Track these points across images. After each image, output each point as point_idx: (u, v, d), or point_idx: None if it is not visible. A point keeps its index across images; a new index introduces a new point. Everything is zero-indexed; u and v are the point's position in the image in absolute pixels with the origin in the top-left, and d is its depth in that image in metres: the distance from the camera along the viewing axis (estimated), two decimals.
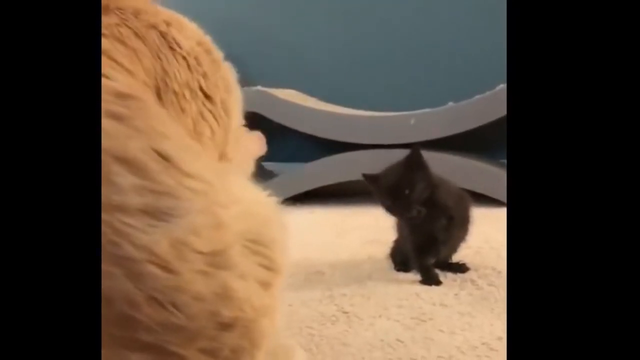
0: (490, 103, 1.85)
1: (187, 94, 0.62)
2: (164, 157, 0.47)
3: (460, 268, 1.12)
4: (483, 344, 0.78)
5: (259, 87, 2.12)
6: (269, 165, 2.25)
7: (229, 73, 0.71)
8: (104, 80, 0.48)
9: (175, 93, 0.60)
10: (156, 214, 0.44)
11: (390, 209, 1.08)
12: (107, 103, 0.46)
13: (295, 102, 2.13)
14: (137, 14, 0.62)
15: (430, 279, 1.06)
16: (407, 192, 1.05)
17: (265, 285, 0.50)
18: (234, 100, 0.70)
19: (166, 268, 0.43)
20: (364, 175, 1.12)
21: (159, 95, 0.59)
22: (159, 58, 0.61)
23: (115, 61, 0.54)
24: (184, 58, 0.63)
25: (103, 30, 0.56)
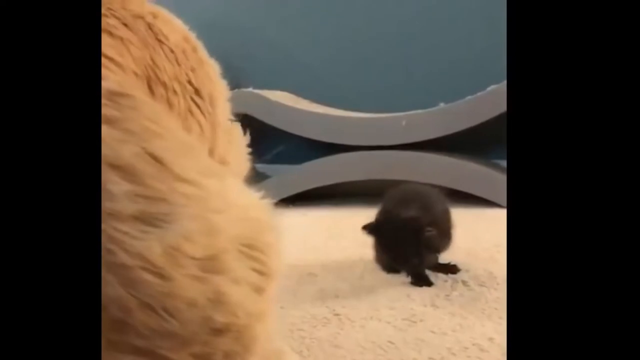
0: (481, 104, 1.86)
1: (177, 87, 0.61)
2: (157, 159, 0.46)
3: (452, 269, 1.12)
4: (474, 344, 0.78)
5: (251, 89, 2.12)
6: (261, 168, 2.25)
7: (213, 69, 0.70)
8: None
9: (164, 86, 0.59)
10: (149, 220, 0.43)
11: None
12: None
13: (288, 104, 2.13)
14: (123, 3, 0.61)
15: (421, 281, 1.06)
16: (416, 261, 1.06)
17: (259, 290, 0.49)
18: (220, 94, 0.69)
19: (159, 274, 0.43)
20: (364, 227, 1.11)
21: (150, 87, 0.58)
22: (147, 48, 0.59)
23: (104, 55, 0.53)
24: (172, 51, 0.62)
25: None
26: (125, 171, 0.44)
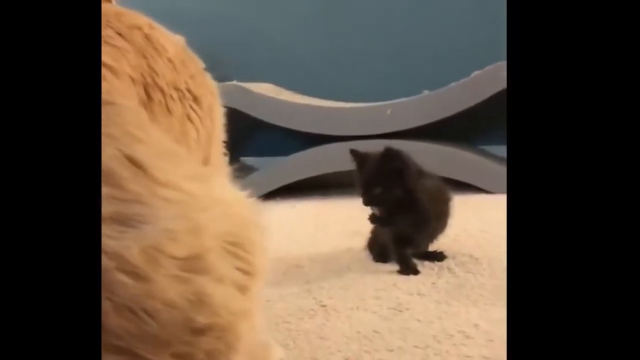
0: (465, 90, 1.86)
1: (174, 94, 0.62)
2: (136, 163, 0.46)
3: (438, 256, 1.13)
4: (459, 332, 0.78)
5: (235, 82, 2.11)
6: (247, 161, 2.24)
7: (211, 81, 0.72)
8: None
9: (162, 92, 0.60)
10: (125, 221, 0.43)
11: (363, 200, 1.10)
12: None
13: (272, 96, 2.12)
14: (119, 15, 0.62)
15: (408, 269, 1.06)
16: (379, 191, 1.07)
17: (243, 289, 0.48)
18: (218, 107, 0.71)
19: (137, 275, 0.42)
20: (352, 151, 1.13)
21: (147, 92, 0.58)
22: (145, 57, 0.60)
23: None
24: (170, 60, 0.63)
25: None
26: (103, 174, 0.44)
